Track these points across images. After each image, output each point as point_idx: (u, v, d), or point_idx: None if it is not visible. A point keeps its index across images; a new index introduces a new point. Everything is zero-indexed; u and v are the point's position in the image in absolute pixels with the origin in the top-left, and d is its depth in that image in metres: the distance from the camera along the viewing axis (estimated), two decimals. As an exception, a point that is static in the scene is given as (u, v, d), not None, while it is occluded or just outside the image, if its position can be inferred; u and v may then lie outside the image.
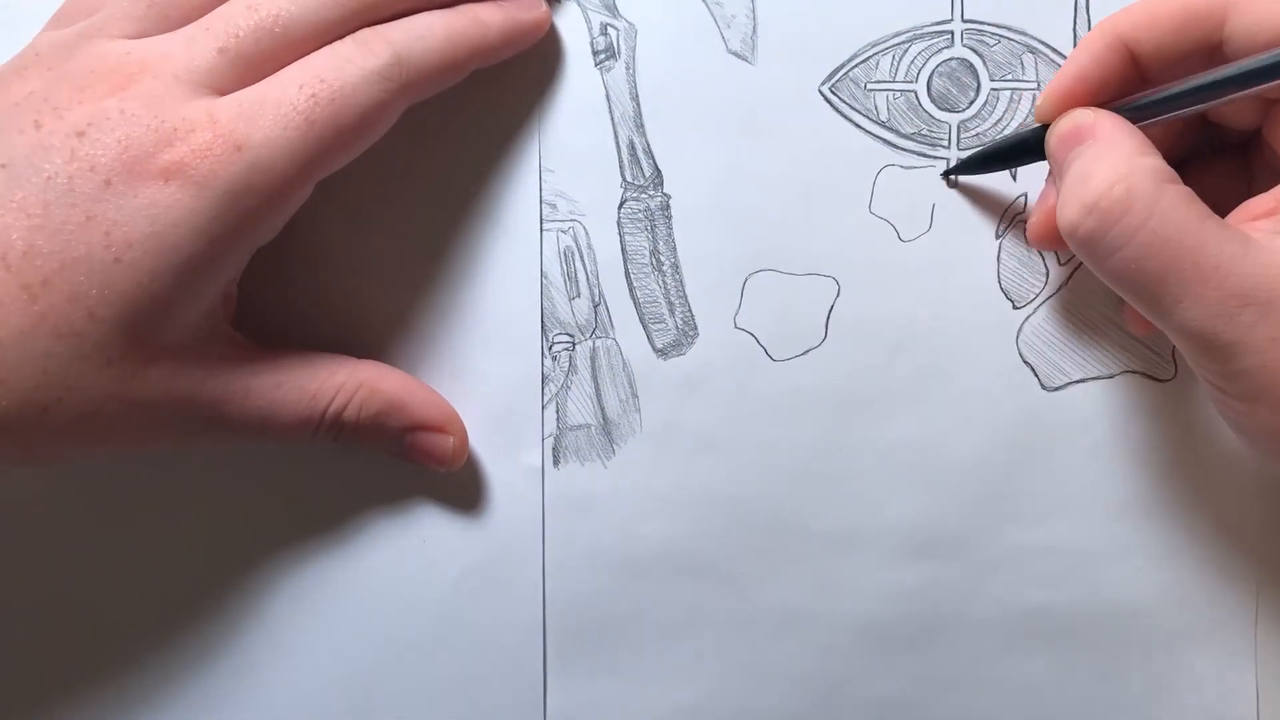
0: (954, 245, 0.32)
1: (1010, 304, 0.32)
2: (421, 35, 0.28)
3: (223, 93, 0.27)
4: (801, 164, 0.32)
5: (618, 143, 0.32)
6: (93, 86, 0.26)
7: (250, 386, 0.28)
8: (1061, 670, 0.32)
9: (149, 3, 0.28)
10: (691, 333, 0.32)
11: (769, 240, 0.32)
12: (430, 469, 0.31)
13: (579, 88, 0.32)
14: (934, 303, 0.32)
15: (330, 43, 0.28)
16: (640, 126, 0.32)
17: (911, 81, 0.32)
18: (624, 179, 0.32)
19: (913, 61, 0.32)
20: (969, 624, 0.32)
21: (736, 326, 0.32)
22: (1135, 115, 0.27)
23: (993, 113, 0.32)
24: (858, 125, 0.32)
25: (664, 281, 0.32)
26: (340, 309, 0.32)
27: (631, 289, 0.32)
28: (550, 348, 0.32)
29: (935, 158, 0.32)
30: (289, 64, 0.27)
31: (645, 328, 0.32)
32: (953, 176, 0.31)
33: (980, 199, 0.32)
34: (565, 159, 0.32)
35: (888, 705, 0.32)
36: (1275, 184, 0.27)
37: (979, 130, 0.32)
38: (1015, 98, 0.32)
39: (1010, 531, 0.32)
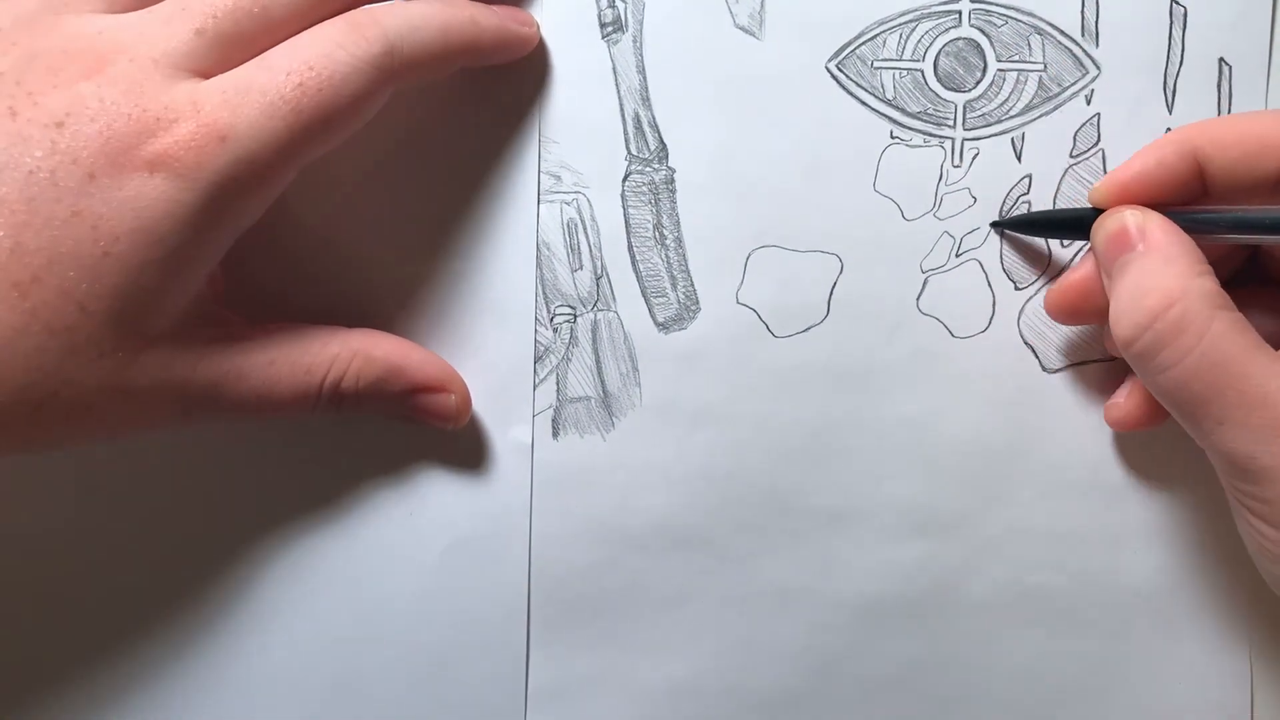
0: (957, 225, 0.32)
1: (1012, 285, 0.32)
2: (416, 26, 0.27)
3: (204, 75, 0.26)
4: (807, 140, 0.32)
5: (623, 115, 0.32)
6: (65, 68, 0.25)
7: (243, 366, 0.28)
8: (1057, 650, 0.32)
9: None
10: (693, 307, 0.32)
11: (772, 216, 0.32)
12: (435, 428, 0.31)
13: (586, 60, 0.31)
14: (936, 282, 0.32)
15: (314, 22, 0.27)
16: (646, 100, 0.32)
17: (918, 60, 0.32)
18: (629, 152, 0.32)
19: (920, 40, 0.32)
20: (965, 603, 0.32)
21: (738, 302, 0.32)
22: (1190, 226, 0.28)
23: (999, 93, 0.32)
24: (863, 103, 0.32)
25: (667, 255, 0.32)
26: (333, 281, 0.32)
27: (634, 262, 0.32)
28: (551, 319, 0.32)
29: (940, 137, 0.32)
30: (272, 44, 0.27)
31: (647, 301, 0.32)
32: (1001, 230, 0.32)
33: (984, 179, 0.32)
34: (570, 131, 0.32)
35: (882, 683, 0.32)
36: None
37: (985, 110, 0.32)
38: (1022, 79, 0.32)
39: (1008, 512, 0.32)
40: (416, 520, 0.32)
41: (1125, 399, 0.31)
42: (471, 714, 0.32)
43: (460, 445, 0.32)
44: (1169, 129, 0.32)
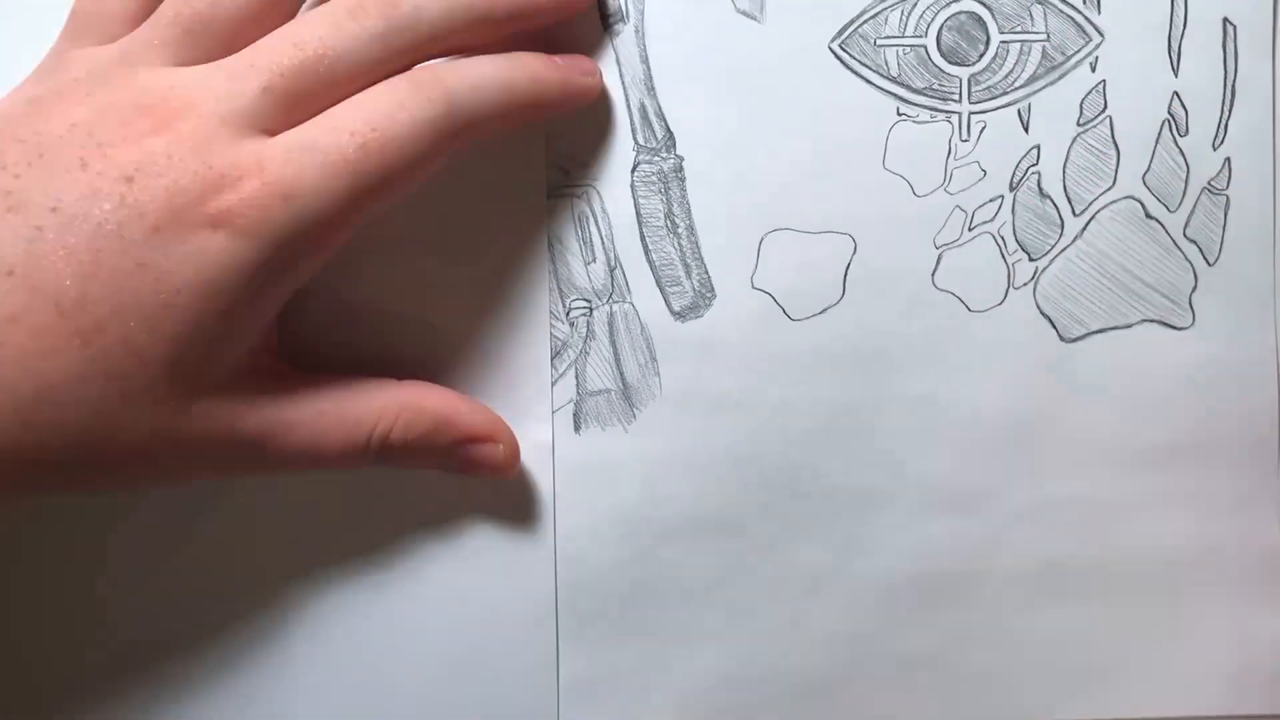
0: (968, 199, 0.32)
1: (1026, 256, 0.32)
2: (477, 86, 0.27)
3: (268, 132, 0.26)
4: (814, 121, 0.32)
5: (629, 106, 0.32)
6: (136, 122, 0.25)
7: (292, 417, 0.28)
8: (1087, 621, 0.32)
9: (185, 28, 0.27)
10: (709, 294, 0.32)
11: (783, 199, 0.32)
12: (485, 478, 0.31)
13: (588, 51, 0.31)
14: (950, 257, 0.32)
15: (377, 79, 0.27)
16: (651, 89, 0.32)
17: (921, 36, 0.32)
18: (636, 142, 0.32)
19: (921, 16, 0.32)
20: (993, 578, 0.32)
21: (754, 287, 0.32)
22: None
23: (1003, 65, 0.32)
24: (869, 81, 0.32)
25: (679, 244, 0.32)
26: (339, 286, 0.31)
27: (647, 252, 0.32)
28: (567, 314, 0.32)
29: (947, 112, 0.32)
30: (334, 101, 0.27)
31: (662, 290, 0.32)
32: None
33: (993, 152, 0.32)
34: (576, 124, 0.32)
35: (916, 661, 0.32)
36: None
37: (990, 83, 0.32)
38: (1025, 49, 0.32)
39: (1031, 484, 0.32)
40: (440, 524, 0.32)
41: None
42: (504, 713, 0.32)
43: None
44: (1176, 93, 0.32)
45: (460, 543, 0.32)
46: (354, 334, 0.31)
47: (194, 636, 0.32)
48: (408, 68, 0.28)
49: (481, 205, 0.32)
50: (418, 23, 0.27)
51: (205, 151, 0.25)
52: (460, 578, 0.32)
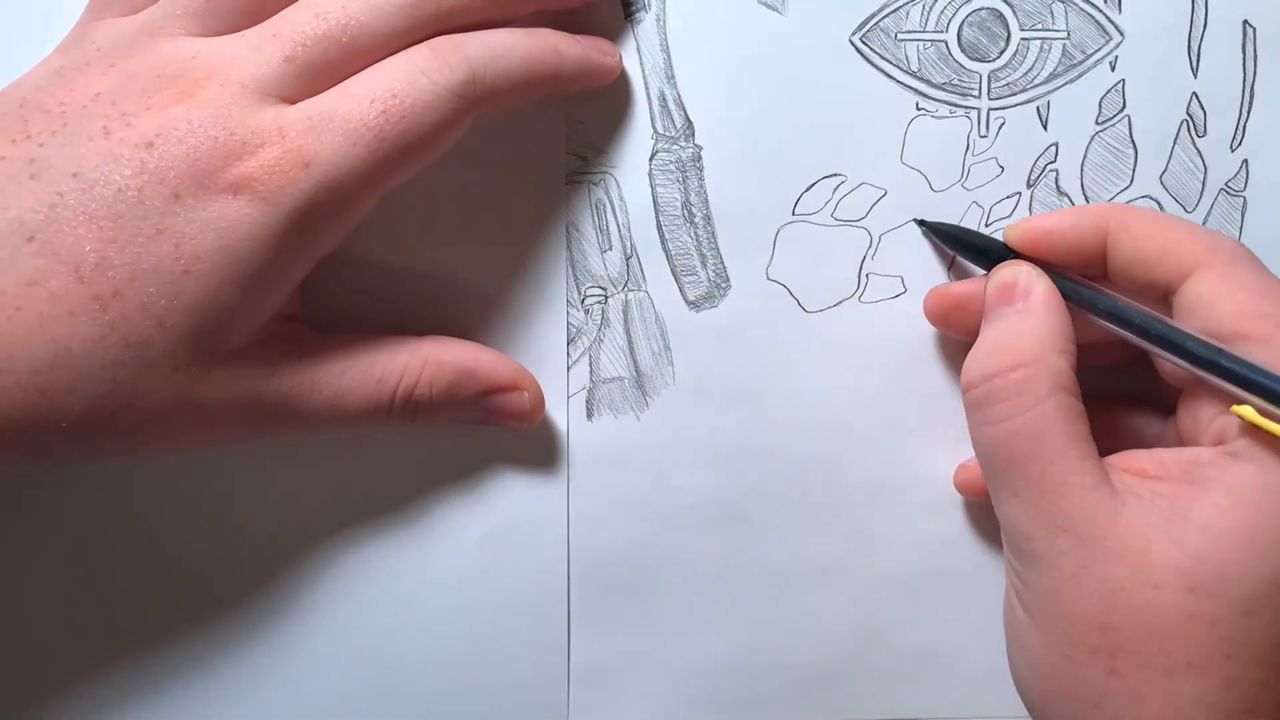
0: (986, 195, 0.32)
1: (1043, 253, 0.32)
2: (500, 54, 0.27)
3: (290, 101, 0.26)
4: (832, 114, 0.32)
5: (648, 94, 0.32)
6: (159, 91, 0.26)
7: (315, 378, 0.28)
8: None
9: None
10: (724, 284, 0.32)
11: (800, 191, 0.32)
12: (511, 428, 0.31)
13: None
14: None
15: (398, 49, 0.27)
16: (671, 78, 0.32)
17: (942, 31, 0.32)
18: (655, 130, 0.32)
19: (942, 11, 0.32)
20: (1001, 573, 0.32)
21: (769, 278, 0.32)
22: (1070, 293, 0.28)
23: (1023, 62, 0.32)
24: (888, 75, 0.32)
25: (696, 233, 0.32)
26: (361, 271, 0.31)
27: (663, 241, 0.32)
28: (583, 301, 0.32)
29: (966, 108, 0.32)
30: (356, 70, 0.27)
31: (677, 280, 0.32)
32: (924, 227, 0.32)
33: (1011, 148, 0.32)
34: (596, 111, 0.32)
35: (923, 655, 0.32)
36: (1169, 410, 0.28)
37: (1009, 80, 0.32)
38: (1045, 47, 0.32)
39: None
40: (453, 508, 0.32)
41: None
42: (514, 697, 0.32)
43: (496, 430, 0.32)
44: (1194, 94, 0.32)
45: (472, 527, 0.32)
46: (372, 313, 0.31)
47: (209, 601, 0.32)
48: (427, 37, 0.27)
49: (502, 190, 0.32)
50: None
51: (226, 119, 0.25)
52: (471, 562, 0.32)
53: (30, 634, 0.32)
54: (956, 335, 0.31)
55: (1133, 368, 0.30)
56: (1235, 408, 0.25)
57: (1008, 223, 0.32)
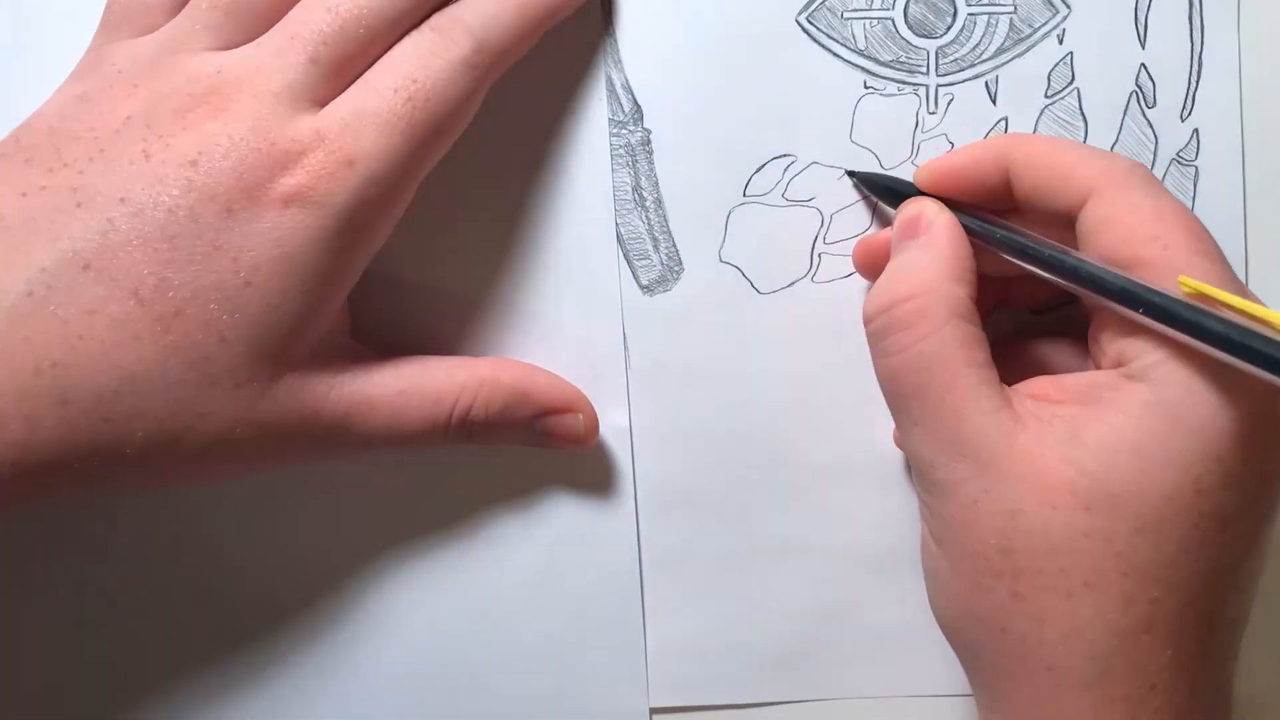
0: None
1: (995, 227, 0.32)
2: (495, 15, 0.28)
3: (320, 102, 0.27)
4: (781, 95, 0.32)
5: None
6: (193, 110, 0.26)
7: (373, 396, 0.28)
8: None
9: (225, 10, 0.27)
10: (677, 268, 0.32)
11: (751, 172, 0.32)
12: (566, 451, 0.31)
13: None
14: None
15: (403, 33, 0.27)
16: (618, 62, 0.32)
17: (888, 9, 0.32)
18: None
19: (888, -11, 0.32)
20: (965, 551, 0.32)
21: (722, 260, 0.32)
22: (975, 230, 0.28)
23: (970, 38, 0.32)
24: (836, 54, 0.32)
25: (647, 217, 0.32)
26: (412, 291, 0.32)
27: (615, 225, 0.32)
28: (537, 288, 0.32)
29: (915, 84, 0.32)
30: (370, 59, 0.27)
31: (630, 264, 0.32)
32: (854, 178, 0.32)
33: (961, 124, 0.32)
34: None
35: (886, 632, 0.32)
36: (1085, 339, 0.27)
37: (957, 55, 0.32)
38: (992, 21, 0.32)
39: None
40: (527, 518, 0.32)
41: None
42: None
43: None
44: (1143, 65, 0.32)
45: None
46: (421, 336, 0.31)
47: (279, 617, 0.32)
48: (428, 14, 0.28)
49: (547, 181, 0.32)
50: None
51: (265, 129, 0.25)
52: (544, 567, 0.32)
53: (96, 649, 0.32)
54: None
55: (1062, 303, 0.30)
56: (1181, 278, 0.24)
57: (958, 198, 0.32)
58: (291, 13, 0.27)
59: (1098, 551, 0.24)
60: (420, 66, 0.27)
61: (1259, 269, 0.32)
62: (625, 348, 0.32)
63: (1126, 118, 0.32)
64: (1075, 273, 0.26)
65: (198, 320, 0.25)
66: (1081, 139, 0.32)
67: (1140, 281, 0.24)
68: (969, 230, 0.28)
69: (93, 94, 0.26)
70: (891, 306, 0.26)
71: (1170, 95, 0.32)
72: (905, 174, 0.32)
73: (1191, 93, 0.32)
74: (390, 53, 0.27)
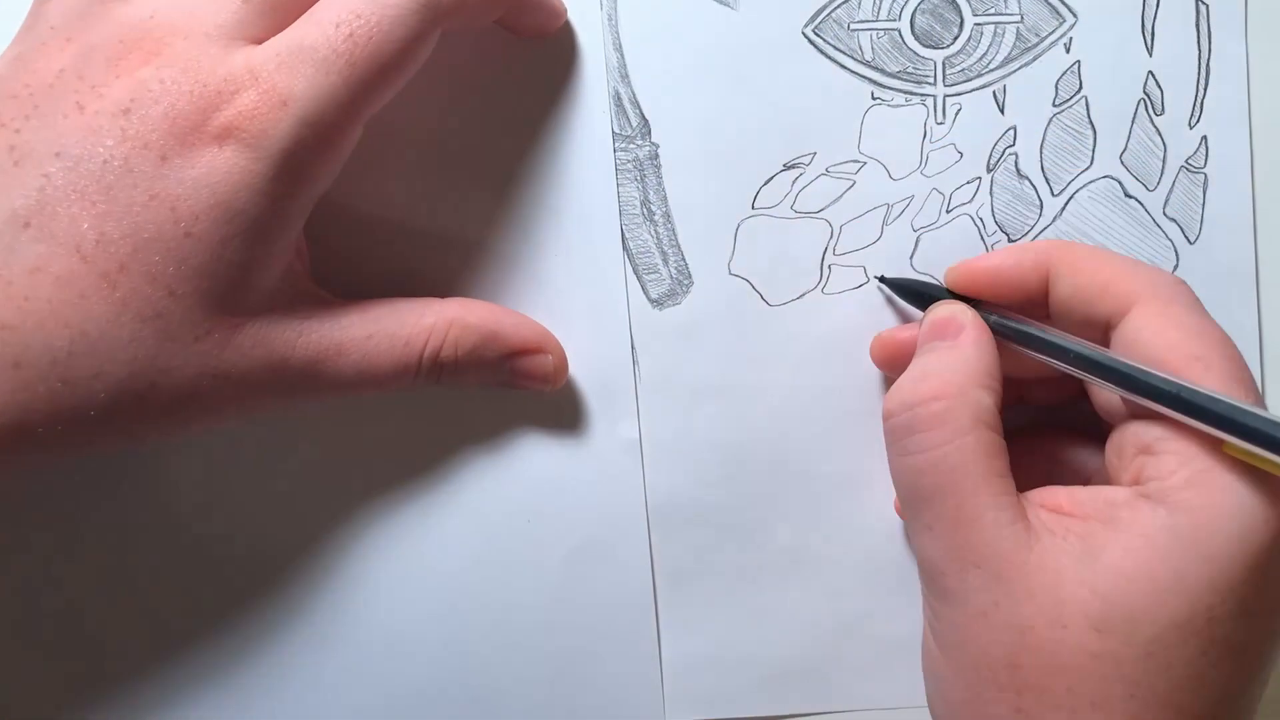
0: (946, 181, 0.32)
1: (1006, 237, 0.32)
2: None
3: (257, 41, 0.26)
4: (788, 107, 0.32)
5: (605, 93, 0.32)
6: (125, 58, 0.25)
7: (342, 341, 0.27)
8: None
9: None
10: (686, 281, 0.32)
11: (759, 185, 0.32)
12: (535, 391, 0.30)
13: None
14: (929, 239, 0.32)
15: None
16: (625, 76, 0.32)
17: (894, 20, 0.32)
18: (611, 129, 0.32)
19: (895, -1, 0.32)
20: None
21: (731, 273, 0.32)
22: (1008, 331, 0.28)
23: (977, 47, 0.32)
24: (843, 66, 0.32)
25: (656, 231, 0.32)
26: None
27: (624, 240, 0.32)
28: (546, 302, 0.32)
29: (922, 95, 0.32)
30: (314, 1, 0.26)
31: (639, 278, 0.32)
32: (882, 283, 0.32)
33: (969, 134, 0.32)
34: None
35: (899, 644, 0.32)
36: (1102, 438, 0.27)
37: (964, 65, 0.32)
38: (999, 31, 0.32)
39: (1016, 466, 0.32)
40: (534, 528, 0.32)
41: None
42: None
43: (568, 447, 0.32)
44: (1151, 72, 0.32)
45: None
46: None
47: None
48: None
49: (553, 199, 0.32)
50: None
51: (196, 70, 0.25)
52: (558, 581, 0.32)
53: (59, 629, 0.32)
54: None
55: (1076, 403, 0.30)
56: (1225, 445, 0.24)
57: (968, 208, 0.32)
58: None
59: (1106, 674, 0.23)
60: (368, 3, 0.25)
61: (1269, 274, 0.32)
62: (635, 361, 0.32)
63: (1135, 125, 0.32)
64: (1125, 377, 0.25)
65: (144, 274, 0.24)
66: (1090, 147, 0.32)
67: (1194, 386, 0.24)
68: (1004, 330, 0.28)
69: (26, 53, 0.26)
70: (916, 405, 0.26)
71: (1178, 102, 0.32)
72: (915, 184, 0.32)
73: (1199, 100, 0.32)
74: None
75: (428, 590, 0.32)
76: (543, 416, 0.32)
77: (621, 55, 0.31)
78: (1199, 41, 0.32)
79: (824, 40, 0.32)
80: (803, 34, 0.32)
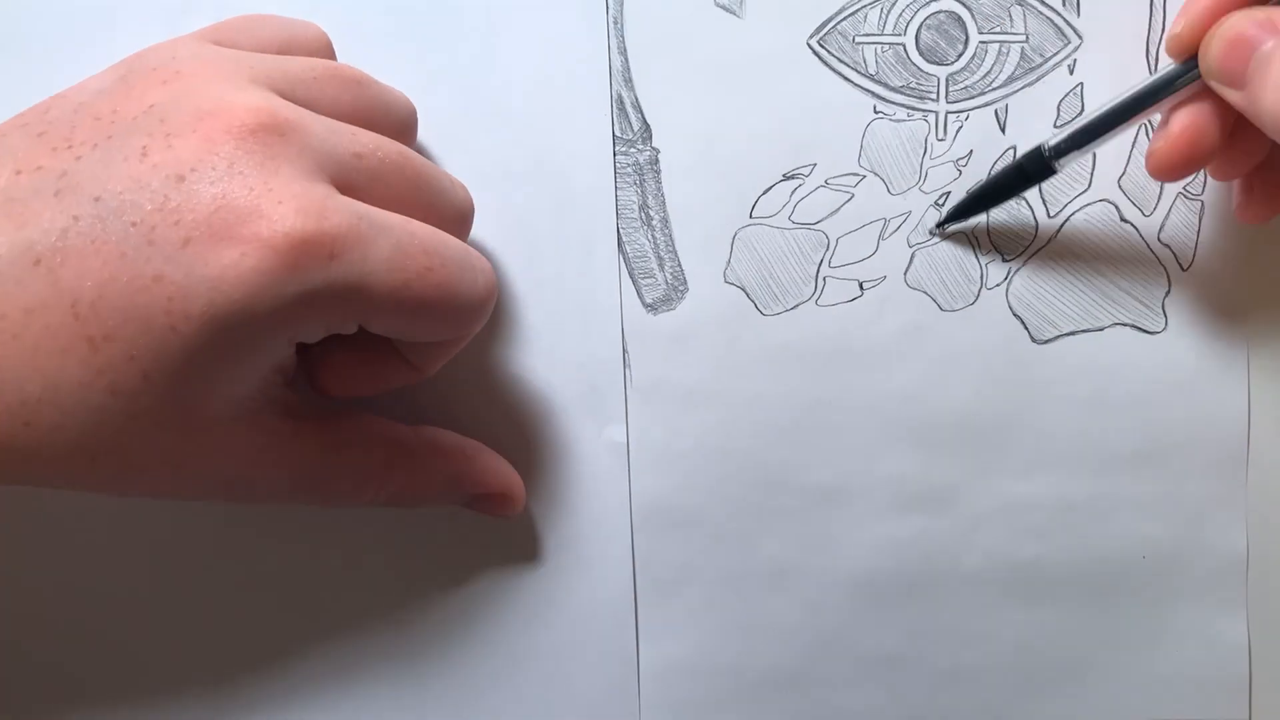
0: (943, 198, 0.32)
1: (1000, 256, 0.32)
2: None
3: (340, 188, 0.24)
4: (790, 118, 0.32)
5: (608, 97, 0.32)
6: (215, 118, 0.24)
7: (301, 467, 0.27)
8: (1052, 623, 0.32)
9: (310, 84, 0.26)
10: (681, 287, 0.32)
11: (758, 194, 0.32)
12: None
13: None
14: (923, 255, 0.32)
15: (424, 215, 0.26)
16: (628, 81, 0.32)
17: (900, 34, 0.32)
18: (612, 133, 0.32)
19: (900, 14, 0.32)
20: (959, 577, 0.32)
21: (726, 281, 0.32)
22: None
23: (981, 65, 0.32)
24: (846, 79, 0.32)
25: (653, 236, 0.32)
26: None
27: (620, 243, 0.32)
28: (540, 303, 0.32)
29: (924, 110, 0.32)
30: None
31: (635, 282, 0.32)
32: (944, 227, 0.31)
33: (970, 149, 0.32)
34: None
35: (880, 659, 0.32)
36: None
37: (968, 83, 0.32)
38: (1004, 50, 0.32)
39: (1000, 484, 0.32)
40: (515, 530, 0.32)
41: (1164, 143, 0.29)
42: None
43: (553, 450, 0.32)
44: (1152, 97, 0.32)
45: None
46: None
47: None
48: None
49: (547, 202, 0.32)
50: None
51: (271, 174, 0.23)
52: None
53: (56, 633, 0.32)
54: (1204, 166, 0.29)
55: None
56: None
57: (963, 226, 0.32)
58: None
59: None
60: (456, 263, 0.25)
61: (1261, 303, 0.32)
62: (626, 365, 0.32)
63: (1134, 150, 0.32)
64: None
65: (124, 351, 0.23)
66: (1089, 171, 0.32)
67: None
68: None
69: (133, 75, 0.25)
70: None
71: (1179, 129, 0.32)
72: (914, 200, 0.32)
73: (1200, 127, 0.32)
74: (438, 226, 0.26)
75: (404, 588, 0.32)
76: (529, 418, 0.32)
77: (626, 59, 0.31)
78: (1202, 69, 0.32)
79: (828, 52, 0.32)
80: (808, 45, 0.32)
